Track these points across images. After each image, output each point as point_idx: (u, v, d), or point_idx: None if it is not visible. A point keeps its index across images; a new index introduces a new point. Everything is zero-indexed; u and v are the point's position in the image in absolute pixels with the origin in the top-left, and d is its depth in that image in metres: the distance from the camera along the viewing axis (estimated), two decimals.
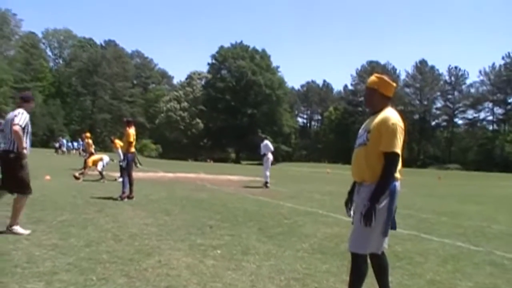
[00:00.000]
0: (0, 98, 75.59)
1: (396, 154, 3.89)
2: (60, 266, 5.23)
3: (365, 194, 3.98)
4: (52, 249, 6.05)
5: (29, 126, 7.48)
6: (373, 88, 4.20)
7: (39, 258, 5.56)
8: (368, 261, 4.12)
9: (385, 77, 4.23)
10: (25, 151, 7.27)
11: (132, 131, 12.91)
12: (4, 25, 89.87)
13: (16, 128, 7.13)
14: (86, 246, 6.30)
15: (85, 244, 6.46)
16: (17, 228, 7.06)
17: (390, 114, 4.01)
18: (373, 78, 4.27)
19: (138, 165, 13.34)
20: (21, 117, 7.28)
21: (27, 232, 7.03)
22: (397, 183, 4.02)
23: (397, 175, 3.99)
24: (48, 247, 6.15)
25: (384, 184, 3.88)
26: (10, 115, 7.48)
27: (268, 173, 19.39)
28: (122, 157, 13.82)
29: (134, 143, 12.97)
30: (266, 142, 20.23)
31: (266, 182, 19.22)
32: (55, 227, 7.63)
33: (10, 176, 7.20)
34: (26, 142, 7.31)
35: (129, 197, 12.39)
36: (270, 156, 19.76)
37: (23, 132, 7.24)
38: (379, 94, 4.16)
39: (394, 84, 4.23)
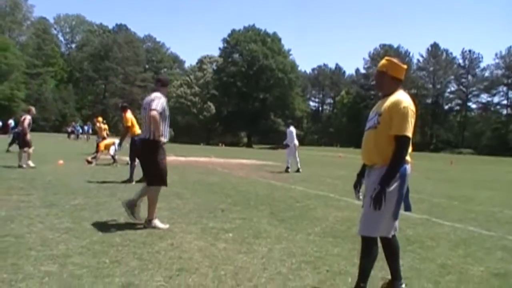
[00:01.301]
0: (13, 83, 75.99)
1: (407, 138, 3.88)
2: (73, 249, 5.28)
3: (375, 177, 3.97)
4: (65, 232, 6.10)
5: (167, 111, 7.05)
6: (383, 71, 4.17)
7: (53, 241, 5.61)
8: (379, 244, 4.13)
9: (395, 60, 4.19)
10: (162, 138, 6.87)
11: (128, 115, 12.92)
12: (16, 11, 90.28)
13: (153, 113, 6.71)
14: (99, 230, 6.35)
15: (98, 227, 6.50)
16: (156, 222, 6.80)
17: (402, 97, 3.98)
18: (383, 61, 4.25)
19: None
20: (158, 101, 6.87)
21: (166, 226, 6.81)
22: (408, 166, 4.01)
23: (408, 158, 3.99)
24: (62, 230, 6.20)
25: (394, 168, 3.87)
26: (147, 100, 7.09)
27: (289, 160, 19.57)
28: (118, 143, 13.84)
29: (135, 126, 12.90)
30: (291, 129, 20.10)
31: (287, 167, 19.36)
32: (68, 211, 7.68)
33: (148, 166, 7.01)
34: (164, 129, 6.94)
35: (141, 181, 12.28)
36: (291, 144, 19.66)
37: (161, 117, 6.82)
38: (389, 76, 4.13)
39: (405, 66, 4.19)
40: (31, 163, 15.14)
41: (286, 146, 19.97)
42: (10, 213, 7.16)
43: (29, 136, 15.66)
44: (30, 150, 15.55)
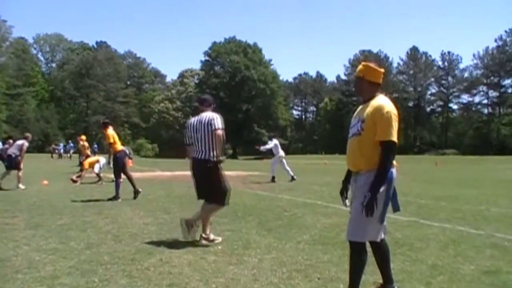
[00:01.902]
0: None
1: (393, 143, 3.89)
2: (61, 270, 5.22)
3: (362, 182, 3.98)
4: (52, 253, 6.03)
5: None
6: (360, 76, 4.19)
7: (40, 262, 5.55)
8: (369, 248, 4.14)
9: (371, 64, 4.20)
10: (223, 157, 7.00)
11: (110, 131, 12.83)
12: None
13: (221, 132, 6.81)
14: (86, 249, 6.29)
15: (86, 246, 6.44)
16: (212, 236, 6.86)
17: (383, 102, 4.00)
18: (360, 66, 4.26)
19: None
20: (218, 121, 6.88)
21: (220, 238, 6.91)
22: (393, 170, 4.02)
23: (393, 162, 4.00)
24: (49, 251, 6.13)
25: (383, 174, 3.88)
26: (198, 120, 6.97)
27: (273, 168, 19.46)
28: (105, 160, 13.86)
29: (117, 142, 12.84)
30: (274, 141, 20.00)
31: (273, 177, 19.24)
32: (55, 231, 7.61)
33: (209, 186, 6.89)
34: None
35: (136, 192, 12.54)
36: (276, 155, 19.63)
37: None
38: (367, 81, 4.14)
39: (382, 70, 4.20)
40: (21, 186, 15.25)
41: (266, 151, 19.95)
42: None
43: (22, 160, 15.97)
44: (20, 173, 15.65)
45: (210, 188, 6.88)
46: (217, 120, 6.87)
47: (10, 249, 6.24)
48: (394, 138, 3.89)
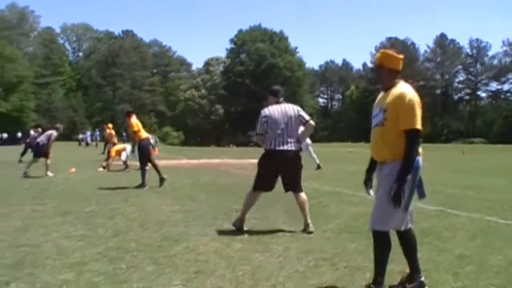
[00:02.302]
0: (22, 94, 76.47)
1: (417, 130, 3.85)
2: (89, 256, 5.29)
3: (387, 171, 3.96)
4: (80, 239, 6.11)
5: None
6: (379, 64, 4.14)
7: (69, 249, 5.63)
8: (395, 237, 4.12)
9: (389, 51, 4.15)
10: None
11: (133, 120, 12.96)
12: (23, 22, 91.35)
13: (313, 123, 7.05)
14: (114, 236, 6.36)
15: (113, 233, 6.51)
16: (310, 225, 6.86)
17: (404, 90, 3.95)
18: (378, 54, 4.22)
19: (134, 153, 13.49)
20: (304, 112, 7.04)
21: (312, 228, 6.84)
22: (419, 158, 3.98)
23: (419, 150, 3.96)
24: (77, 238, 6.21)
25: (408, 163, 3.85)
26: (283, 111, 6.89)
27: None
28: (130, 148, 13.93)
29: (141, 130, 12.96)
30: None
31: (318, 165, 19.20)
32: (82, 218, 7.71)
33: (299, 177, 6.98)
34: None
35: (162, 179, 12.61)
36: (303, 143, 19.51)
37: None
38: (386, 69, 4.09)
39: (401, 56, 4.12)
40: (50, 173, 15.47)
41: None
42: (25, 222, 7.20)
43: (50, 149, 16.16)
44: (48, 161, 15.86)
45: (299, 179, 6.94)
46: (303, 112, 6.99)
47: (40, 236, 6.34)
48: (418, 125, 3.84)
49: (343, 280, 4.50)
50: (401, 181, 3.80)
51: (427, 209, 8.30)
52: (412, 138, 3.84)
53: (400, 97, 3.89)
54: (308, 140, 19.47)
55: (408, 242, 4.22)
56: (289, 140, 6.73)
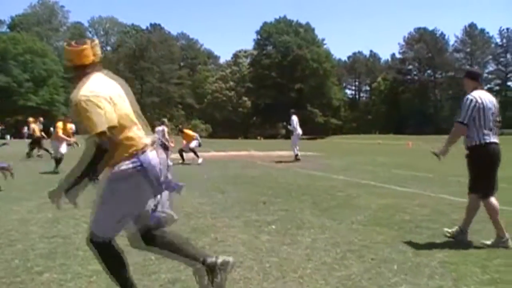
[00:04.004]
0: (52, 88, 77.66)
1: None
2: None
3: None
4: None
5: None
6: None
7: None
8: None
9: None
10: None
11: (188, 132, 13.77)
12: (52, 18, 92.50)
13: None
14: None
15: None
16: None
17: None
18: None
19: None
20: None
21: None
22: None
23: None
24: None
25: None
26: (489, 98, 6.02)
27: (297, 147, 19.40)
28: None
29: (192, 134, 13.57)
30: (293, 117, 19.62)
31: (296, 155, 19.12)
32: None
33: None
34: None
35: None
36: (295, 132, 19.45)
37: None
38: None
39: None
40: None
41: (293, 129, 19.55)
42: (56, 214, 7.30)
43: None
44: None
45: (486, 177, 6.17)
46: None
47: (70, 227, 6.44)
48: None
49: (370, 272, 4.48)
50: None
51: (457, 201, 8.20)
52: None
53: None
54: (299, 130, 19.30)
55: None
56: (495, 133, 6.14)
